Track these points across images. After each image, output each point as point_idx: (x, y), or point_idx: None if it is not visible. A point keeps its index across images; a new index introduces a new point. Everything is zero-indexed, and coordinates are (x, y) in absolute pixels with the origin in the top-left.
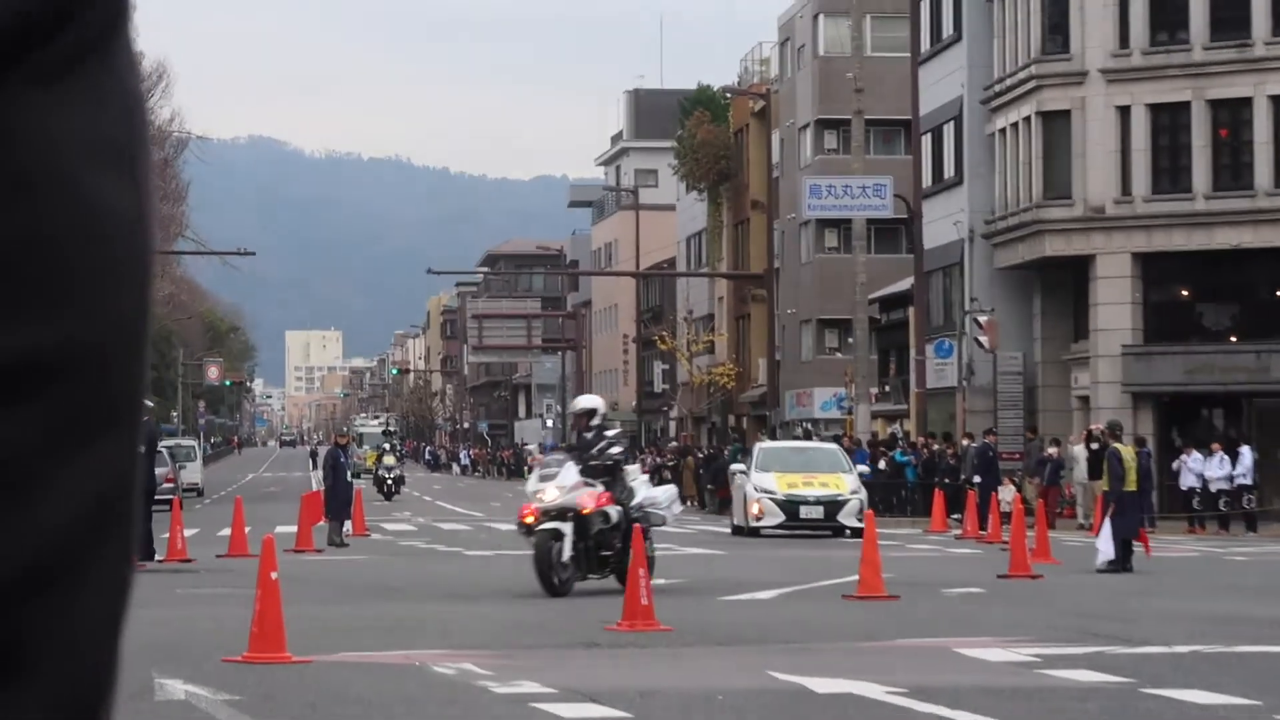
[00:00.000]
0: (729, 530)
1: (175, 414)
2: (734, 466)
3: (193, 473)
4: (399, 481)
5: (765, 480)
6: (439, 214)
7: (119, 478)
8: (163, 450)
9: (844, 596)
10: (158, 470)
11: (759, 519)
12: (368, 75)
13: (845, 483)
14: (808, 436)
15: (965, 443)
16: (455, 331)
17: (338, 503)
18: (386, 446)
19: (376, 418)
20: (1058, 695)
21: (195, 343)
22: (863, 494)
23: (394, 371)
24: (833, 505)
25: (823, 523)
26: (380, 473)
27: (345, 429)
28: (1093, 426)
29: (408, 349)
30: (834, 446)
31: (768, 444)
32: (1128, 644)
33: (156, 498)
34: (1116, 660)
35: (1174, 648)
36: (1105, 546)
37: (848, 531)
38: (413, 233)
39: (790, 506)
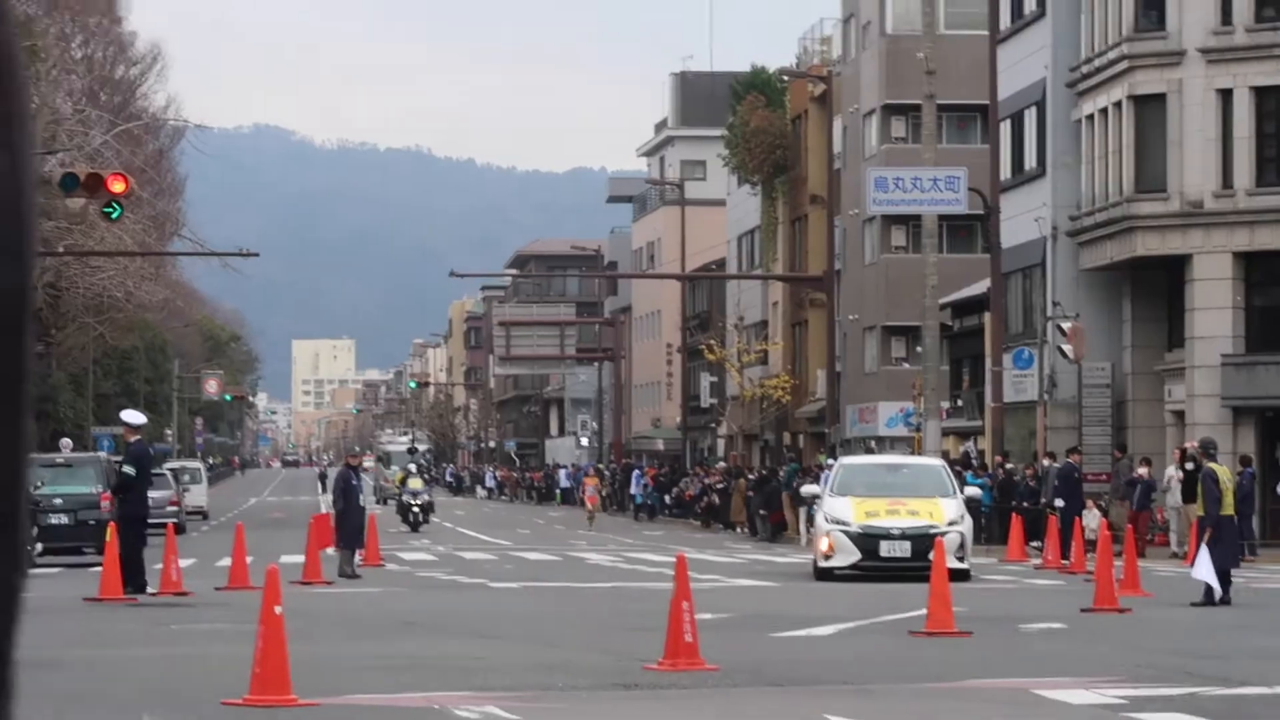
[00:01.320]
0: (784, 560)
1: (170, 432)
2: (806, 489)
3: (198, 495)
4: (427, 509)
5: (839, 507)
6: (463, 210)
7: None
8: (166, 473)
9: (910, 633)
10: (160, 494)
11: (829, 556)
12: (384, 58)
13: (944, 510)
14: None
15: (1046, 463)
16: (480, 340)
17: (350, 530)
18: (412, 468)
19: (404, 433)
20: None
21: (192, 353)
22: (967, 525)
23: (412, 385)
24: (923, 540)
25: (909, 563)
26: (405, 498)
27: (357, 448)
28: (1187, 445)
29: (427, 359)
30: (937, 463)
31: (850, 460)
32: (1225, 684)
33: (159, 521)
34: (1213, 703)
35: (1276, 688)
36: (1204, 576)
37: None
38: (434, 231)
39: (868, 541)
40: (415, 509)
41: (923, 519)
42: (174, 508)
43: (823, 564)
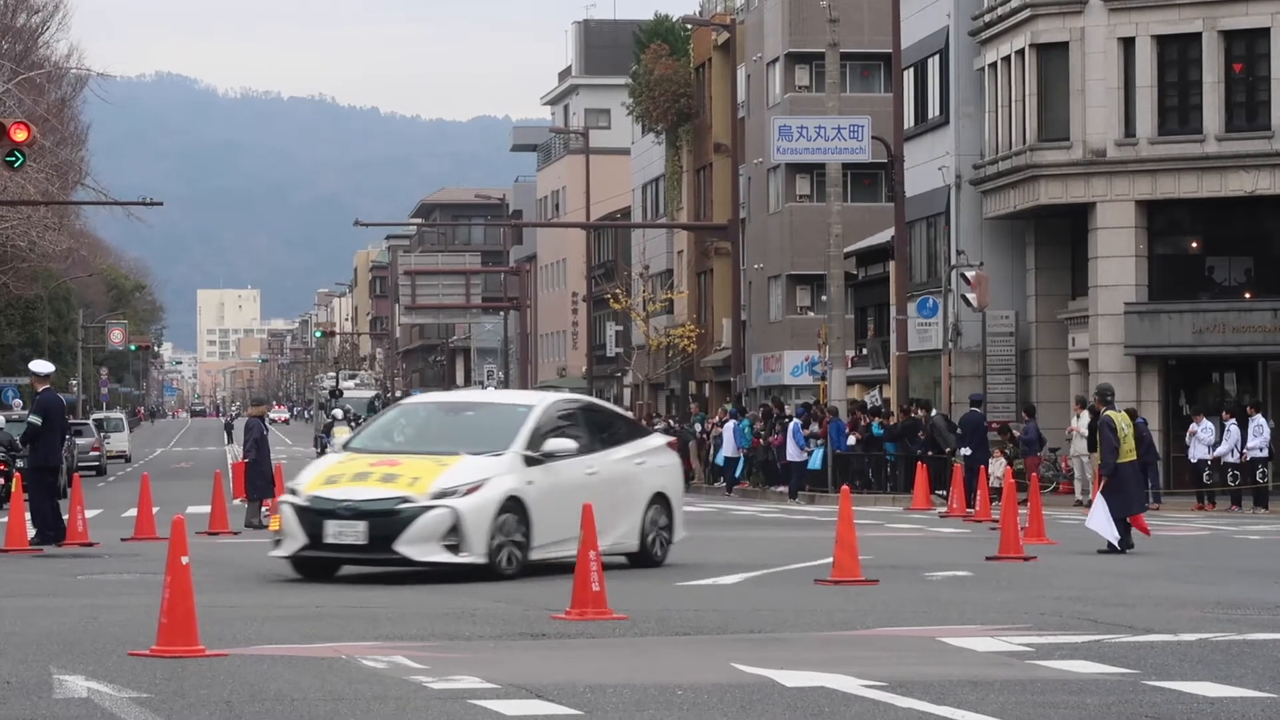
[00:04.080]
0: (690, 509)
1: (75, 382)
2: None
3: (120, 441)
4: None
5: (310, 469)
6: (367, 159)
7: None
8: (89, 422)
9: (817, 581)
10: (82, 440)
11: (279, 541)
12: (288, 6)
13: (453, 474)
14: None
15: (924, 414)
16: (385, 290)
17: (262, 481)
18: (338, 413)
19: (353, 376)
20: (1053, 688)
21: (97, 303)
22: (494, 493)
23: (318, 334)
24: (386, 521)
25: (366, 554)
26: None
27: (264, 398)
28: (1086, 396)
29: (333, 309)
30: (526, 403)
31: (412, 400)
32: (1130, 631)
33: (87, 466)
34: (1118, 650)
35: (1180, 636)
36: (1097, 527)
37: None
38: (338, 180)
39: (313, 520)
40: None
41: (397, 488)
42: (96, 453)
43: (272, 552)
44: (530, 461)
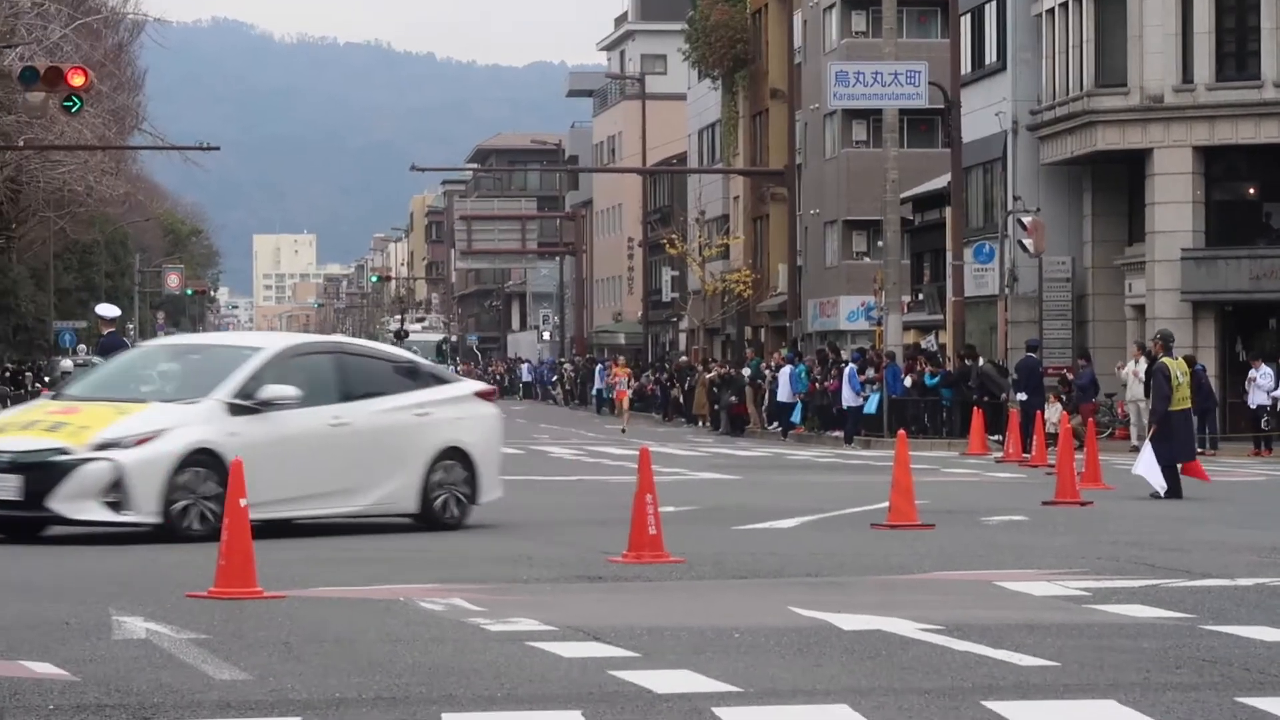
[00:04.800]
0: (746, 454)
1: (132, 326)
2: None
3: None
4: None
5: None
6: (423, 105)
7: None
8: None
9: (873, 525)
10: None
11: None
12: None
13: (127, 424)
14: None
15: (972, 362)
16: (441, 235)
17: None
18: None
19: (421, 319)
20: (1110, 632)
21: (154, 248)
22: (178, 443)
23: (374, 279)
24: (42, 474)
25: (21, 511)
26: None
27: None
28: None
29: (389, 254)
30: (248, 344)
31: (148, 343)
32: (1187, 576)
33: None
34: (1174, 594)
35: (1237, 580)
36: (1147, 472)
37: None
38: (394, 126)
39: None
40: None
41: (58, 438)
42: None
43: None
44: (237, 410)
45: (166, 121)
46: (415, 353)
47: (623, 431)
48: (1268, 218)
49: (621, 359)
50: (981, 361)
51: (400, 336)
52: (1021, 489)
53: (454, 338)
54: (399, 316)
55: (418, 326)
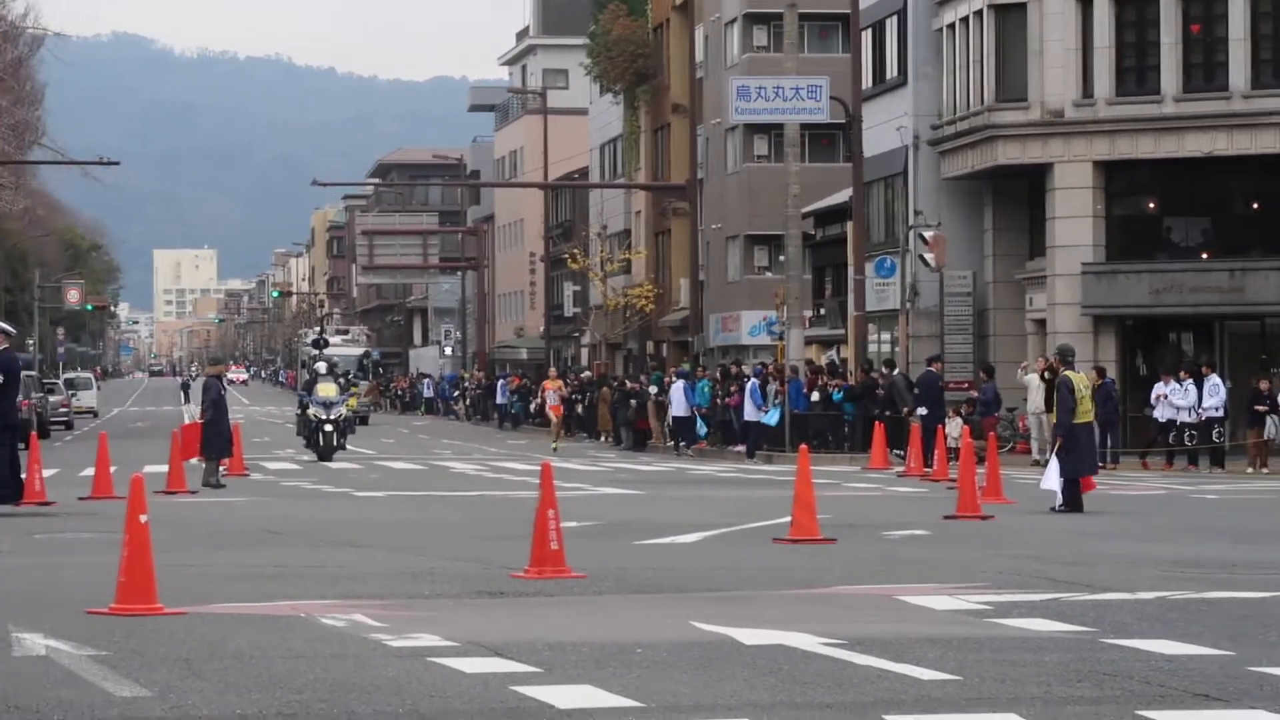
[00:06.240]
0: (649, 468)
1: (31, 342)
2: None
3: (89, 399)
4: (343, 429)
5: None
6: (325, 119)
7: None
8: (59, 381)
9: (775, 540)
10: (53, 398)
11: None
12: None
13: None
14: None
15: (886, 371)
16: (343, 250)
17: (219, 440)
18: (321, 367)
19: (343, 331)
20: (1011, 646)
21: (53, 263)
22: None
23: (275, 294)
24: None
25: None
26: (312, 411)
27: (221, 357)
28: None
29: (290, 269)
30: None
31: None
32: (1088, 590)
33: (58, 420)
34: (1075, 608)
35: (1138, 594)
36: (1054, 486)
37: None
38: (296, 140)
39: None
40: (327, 428)
41: None
42: (65, 409)
43: None
44: None
45: (67, 136)
46: (334, 365)
47: (554, 450)
48: (1168, 232)
49: (553, 371)
50: (895, 372)
51: (319, 346)
52: (923, 503)
53: (376, 353)
54: (319, 325)
55: (338, 340)
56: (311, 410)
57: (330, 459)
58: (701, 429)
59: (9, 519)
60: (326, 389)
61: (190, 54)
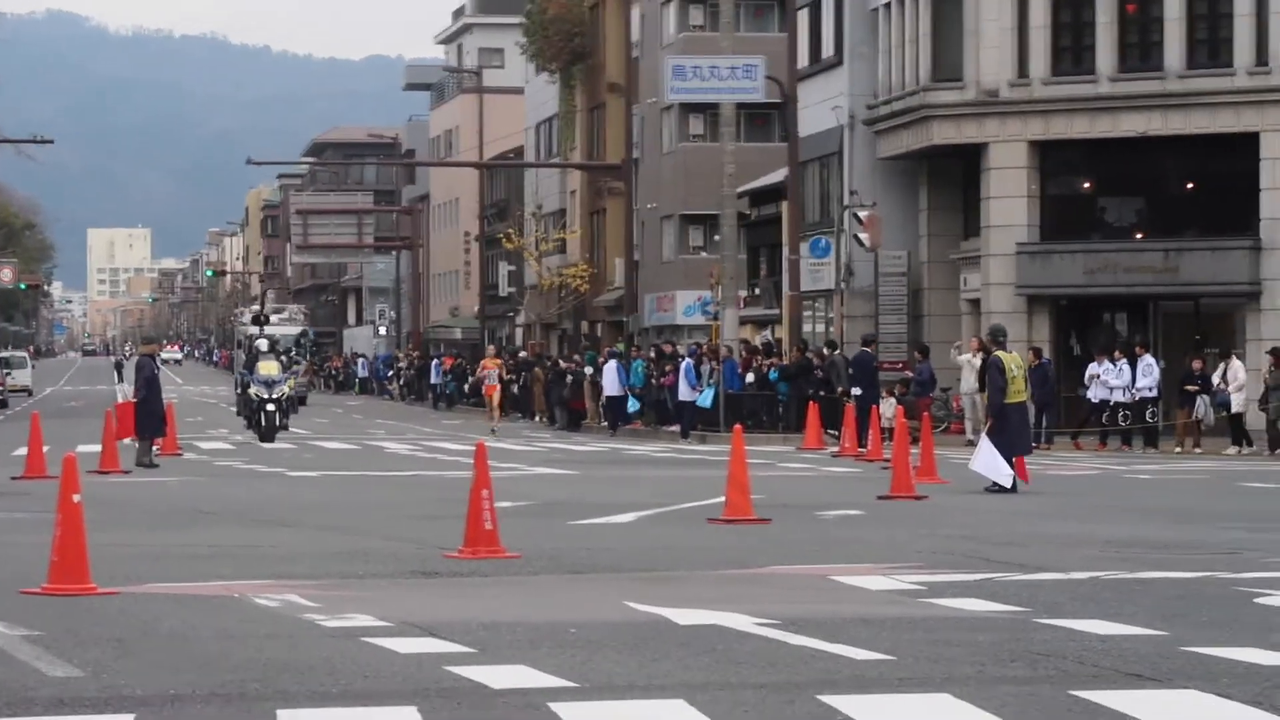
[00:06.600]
0: (583, 449)
1: None
2: None
3: (23, 377)
4: (284, 408)
5: None
6: (259, 97)
7: None
8: None
9: (709, 520)
10: None
11: None
12: None
13: None
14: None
15: (827, 351)
16: (277, 229)
17: (153, 420)
18: (263, 344)
19: (279, 310)
20: (945, 626)
21: None
22: None
23: (209, 274)
24: None
25: None
26: (253, 390)
27: (155, 336)
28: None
29: (224, 248)
30: None
31: None
32: (1021, 570)
33: None
34: (1009, 588)
35: (1071, 574)
36: (985, 467)
37: None
38: (230, 118)
39: None
40: (269, 407)
41: None
42: (0, 388)
43: None
44: None
45: (0, 113)
46: (276, 342)
47: (493, 432)
48: (1102, 212)
49: (491, 349)
50: (835, 352)
51: (259, 322)
52: (857, 484)
53: (312, 332)
54: (259, 300)
55: (275, 318)
56: (253, 389)
57: (272, 439)
58: (633, 405)
59: None
60: (268, 367)
61: (125, 31)
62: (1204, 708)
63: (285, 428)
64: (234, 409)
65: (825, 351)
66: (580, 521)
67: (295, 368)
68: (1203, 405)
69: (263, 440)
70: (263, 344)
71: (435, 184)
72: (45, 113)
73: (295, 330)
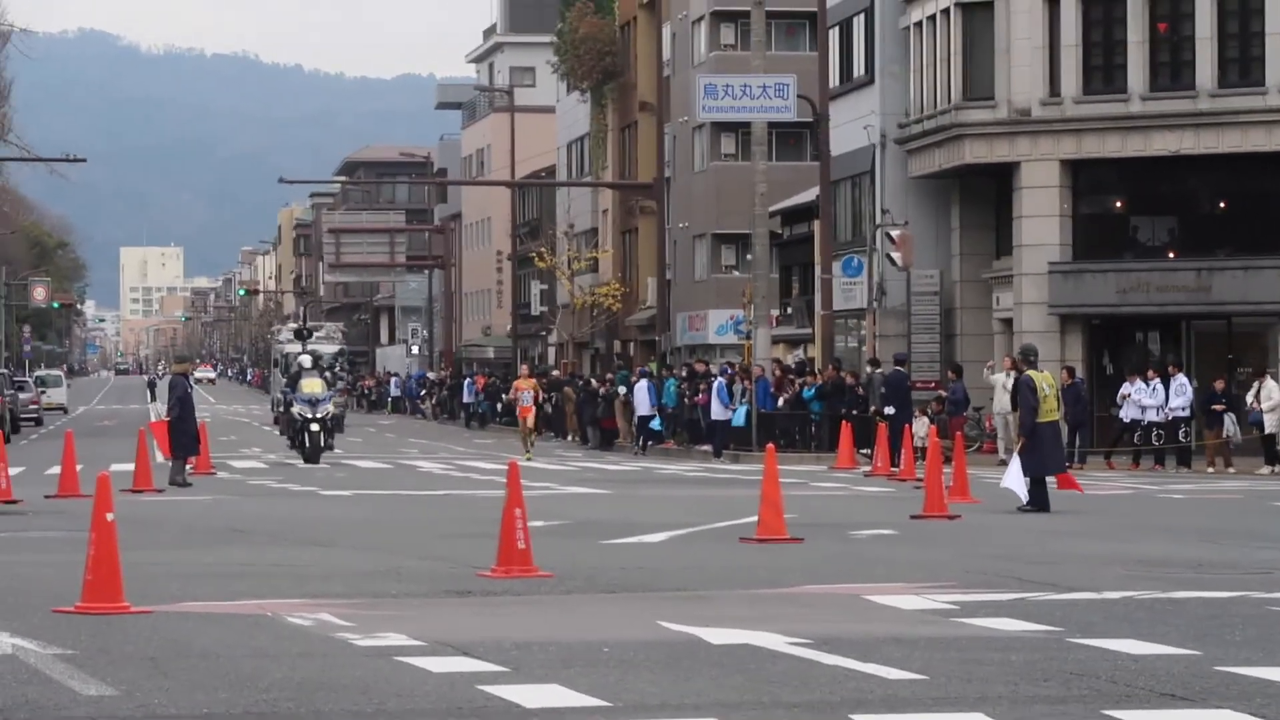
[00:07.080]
0: (615, 468)
1: None
2: None
3: (59, 395)
4: (329, 427)
5: None
6: (291, 116)
7: None
8: (30, 379)
9: (742, 539)
10: (23, 395)
11: None
12: None
13: None
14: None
15: (870, 370)
16: (310, 248)
17: (186, 439)
18: (305, 360)
19: (316, 328)
20: (978, 645)
21: (19, 260)
22: None
23: (241, 292)
24: None
25: None
26: (296, 409)
27: (188, 355)
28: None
29: (256, 267)
30: None
31: None
32: (1054, 590)
33: (28, 417)
34: (1042, 607)
35: (1104, 594)
36: (1014, 485)
37: None
38: (262, 137)
39: None
40: (313, 427)
41: None
42: (35, 406)
43: None
44: None
45: (33, 133)
46: (319, 359)
47: (528, 458)
48: (1134, 231)
49: (524, 368)
50: (876, 371)
51: (302, 336)
52: (890, 503)
53: (333, 347)
54: (292, 318)
55: (314, 336)
56: (296, 409)
57: (317, 460)
58: (655, 424)
59: None
60: (312, 385)
61: (156, 50)
62: None
63: (330, 448)
64: (268, 427)
65: (868, 370)
66: (613, 541)
67: (339, 384)
68: (1230, 423)
69: (307, 461)
70: (306, 360)
71: (467, 203)
72: (77, 132)
73: (334, 349)
